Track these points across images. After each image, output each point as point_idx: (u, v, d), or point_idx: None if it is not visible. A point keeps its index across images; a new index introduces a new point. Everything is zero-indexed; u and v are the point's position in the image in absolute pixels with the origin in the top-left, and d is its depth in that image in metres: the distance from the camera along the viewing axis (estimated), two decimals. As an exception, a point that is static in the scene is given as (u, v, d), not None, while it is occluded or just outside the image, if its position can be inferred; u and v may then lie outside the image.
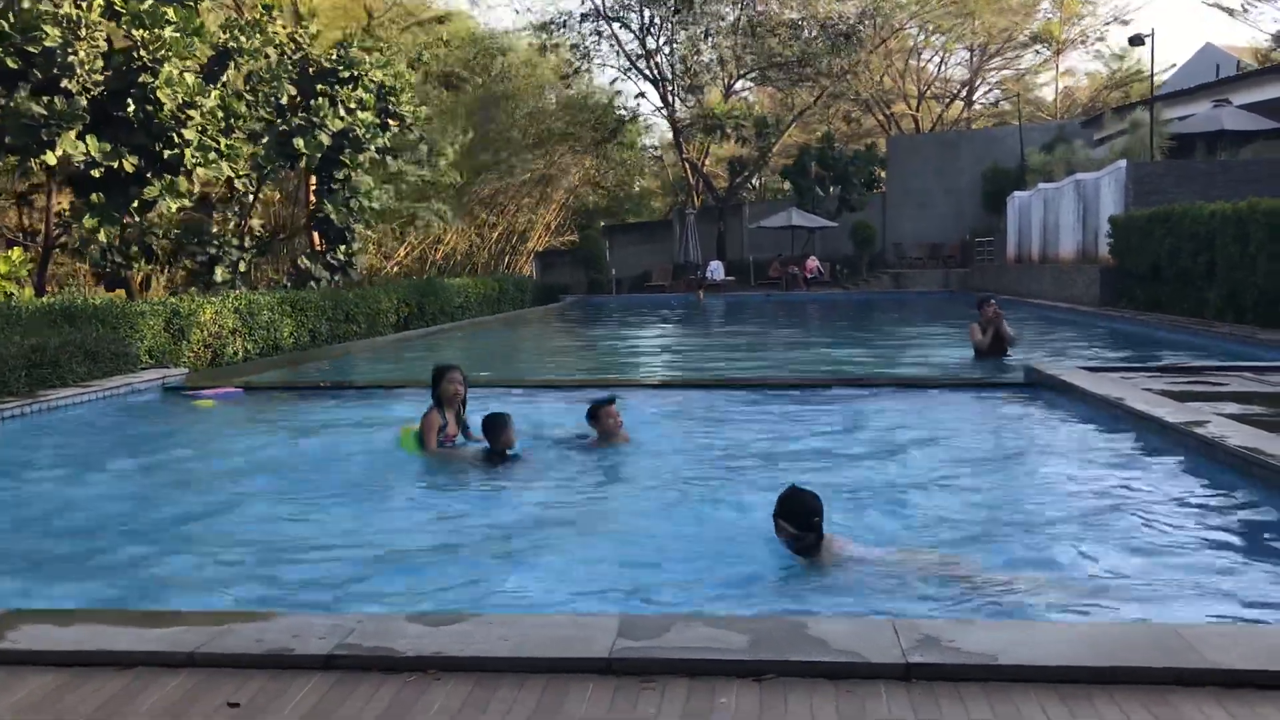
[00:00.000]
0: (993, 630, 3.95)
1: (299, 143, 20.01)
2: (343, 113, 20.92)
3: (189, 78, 16.84)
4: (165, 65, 16.43)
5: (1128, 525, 6.22)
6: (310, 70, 21.18)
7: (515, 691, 3.51)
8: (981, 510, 6.66)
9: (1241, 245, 17.54)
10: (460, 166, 27.59)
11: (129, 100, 16.37)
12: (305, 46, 21.36)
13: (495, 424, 8.07)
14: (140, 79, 16.34)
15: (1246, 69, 36.42)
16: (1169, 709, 3.32)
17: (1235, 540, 5.87)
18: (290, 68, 20.54)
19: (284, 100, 20.27)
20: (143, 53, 16.38)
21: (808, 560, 5.41)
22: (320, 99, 20.58)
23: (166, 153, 16.78)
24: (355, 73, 21.43)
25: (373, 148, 21.84)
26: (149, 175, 16.82)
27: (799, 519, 5.41)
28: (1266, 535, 5.91)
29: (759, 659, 3.64)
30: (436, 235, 38.19)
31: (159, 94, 16.34)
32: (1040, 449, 8.69)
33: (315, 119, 20.25)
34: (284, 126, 20.20)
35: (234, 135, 18.29)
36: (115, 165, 16.26)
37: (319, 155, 20.53)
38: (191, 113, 16.80)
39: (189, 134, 16.70)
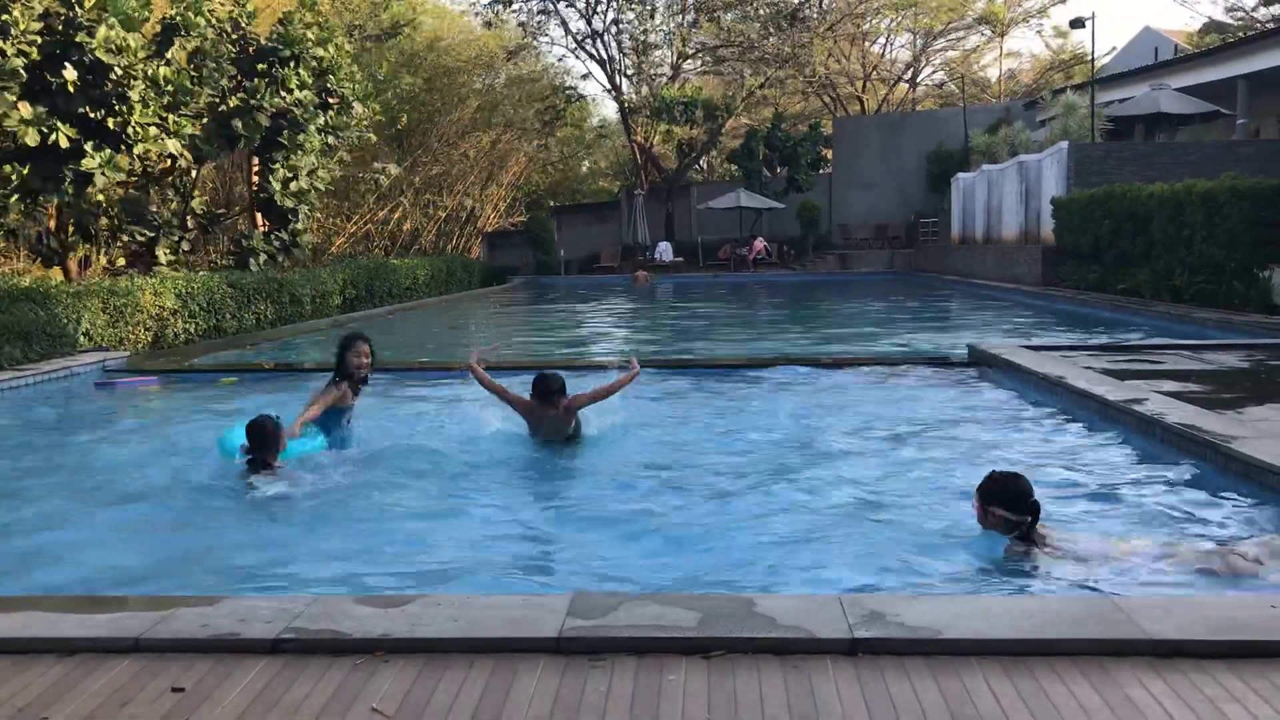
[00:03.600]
0: (937, 604, 4.01)
1: (237, 124, 19.62)
2: (282, 93, 20.46)
3: (133, 39, 16.21)
4: (101, 26, 15.81)
5: (1066, 501, 6.34)
6: (250, 50, 20.74)
7: (465, 672, 3.51)
8: (924, 486, 6.74)
9: (1178, 226, 17.88)
10: (393, 114, 26.61)
11: (65, 64, 15.55)
12: (244, 26, 20.91)
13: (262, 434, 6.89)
14: (77, 38, 15.70)
15: (1184, 52, 37.03)
16: (1108, 678, 3.40)
17: (1172, 514, 6.00)
18: (230, 48, 20.08)
19: (224, 82, 19.82)
20: (79, 10, 15.76)
21: (1023, 549, 5.08)
22: (259, 80, 20.17)
23: (110, 121, 16.15)
24: (295, 51, 20.99)
25: (312, 127, 21.41)
26: (86, 146, 16.06)
27: (1016, 502, 5.11)
28: (1201, 509, 6.04)
29: (707, 636, 3.67)
30: (384, 214, 37.76)
31: (98, 54, 15.70)
32: (982, 427, 8.80)
33: (254, 100, 19.85)
34: (223, 108, 19.80)
35: (180, 112, 17.81)
36: (51, 137, 15.59)
37: (259, 137, 20.15)
38: (135, 78, 16.17)
39: (134, 95, 15.99)
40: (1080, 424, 8.51)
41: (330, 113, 22.19)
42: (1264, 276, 16.25)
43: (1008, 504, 5.14)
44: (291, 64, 20.87)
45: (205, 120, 19.33)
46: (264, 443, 6.88)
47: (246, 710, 3.27)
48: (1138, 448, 7.49)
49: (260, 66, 20.50)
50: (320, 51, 21.65)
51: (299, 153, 21.43)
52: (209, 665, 3.58)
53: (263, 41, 20.95)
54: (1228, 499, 6.13)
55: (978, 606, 4.04)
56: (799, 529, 5.92)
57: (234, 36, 20.54)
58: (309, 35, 21.43)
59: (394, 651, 3.66)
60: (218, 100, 19.64)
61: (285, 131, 20.84)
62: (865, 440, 8.25)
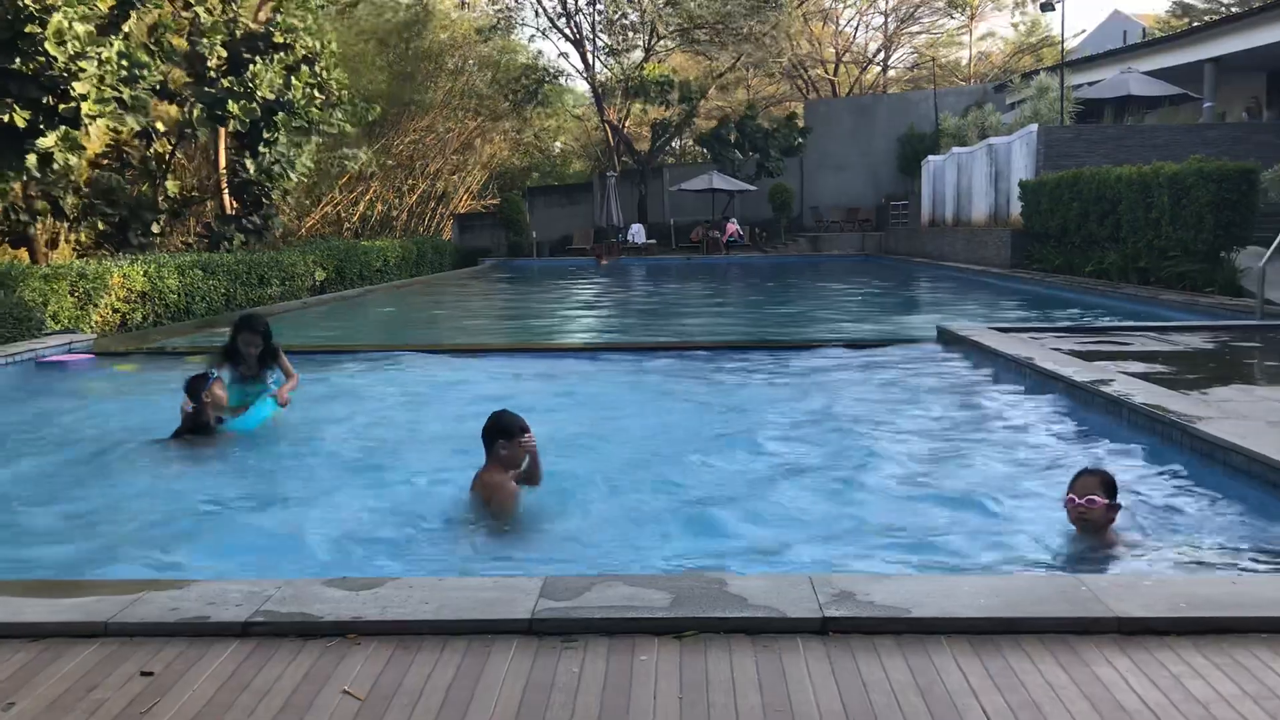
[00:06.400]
0: (906, 583, 4.05)
1: (233, 106, 19.43)
2: (278, 80, 20.32)
3: (81, 28, 15.96)
4: (55, 15, 15.56)
5: (1033, 481, 6.40)
6: (238, 34, 20.55)
7: (437, 654, 3.51)
8: (895, 467, 6.79)
9: (1146, 209, 18.02)
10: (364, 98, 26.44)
11: (14, 55, 15.41)
12: (235, 10, 20.71)
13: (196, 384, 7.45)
14: (27, 29, 15.43)
15: (1152, 36, 37.27)
16: (1075, 656, 3.44)
17: (1138, 494, 6.06)
18: (222, 30, 19.89)
19: (211, 62, 19.58)
20: (29, 2, 15.50)
21: (1130, 540, 5.05)
22: (257, 64, 19.99)
23: (61, 106, 15.94)
24: (288, 40, 20.87)
25: (311, 113, 21.32)
26: (42, 128, 15.89)
27: (1110, 487, 5.02)
28: (1167, 489, 6.12)
29: (679, 616, 3.69)
30: (354, 196, 37.47)
31: (48, 47, 15.48)
32: (950, 408, 8.86)
33: (250, 85, 19.69)
34: (211, 90, 19.59)
35: (138, 86, 17.52)
36: (5, 119, 15.38)
37: (249, 120, 20.02)
38: (85, 64, 15.96)
39: (81, 88, 15.83)
40: (1047, 405, 8.57)
41: (315, 106, 22.07)
42: (1229, 259, 16.42)
43: (1113, 494, 5.06)
44: (283, 51, 20.71)
45: (191, 100, 19.11)
46: (193, 387, 7.44)
47: (216, 693, 3.25)
48: (1104, 428, 7.56)
49: (245, 54, 20.29)
50: (309, 41, 21.51)
51: (289, 137, 21.25)
52: (179, 649, 3.56)
53: (253, 27, 20.77)
54: (1191, 478, 6.20)
55: (946, 585, 4.07)
56: (767, 508, 5.95)
57: (223, 20, 20.33)
58: (300, 25, 21.26)
59: (365, 634, 3.65)
60: (200, 83, 19.41)
61: (280, 115, 20.69)
62: (831, 420, 8.29)
